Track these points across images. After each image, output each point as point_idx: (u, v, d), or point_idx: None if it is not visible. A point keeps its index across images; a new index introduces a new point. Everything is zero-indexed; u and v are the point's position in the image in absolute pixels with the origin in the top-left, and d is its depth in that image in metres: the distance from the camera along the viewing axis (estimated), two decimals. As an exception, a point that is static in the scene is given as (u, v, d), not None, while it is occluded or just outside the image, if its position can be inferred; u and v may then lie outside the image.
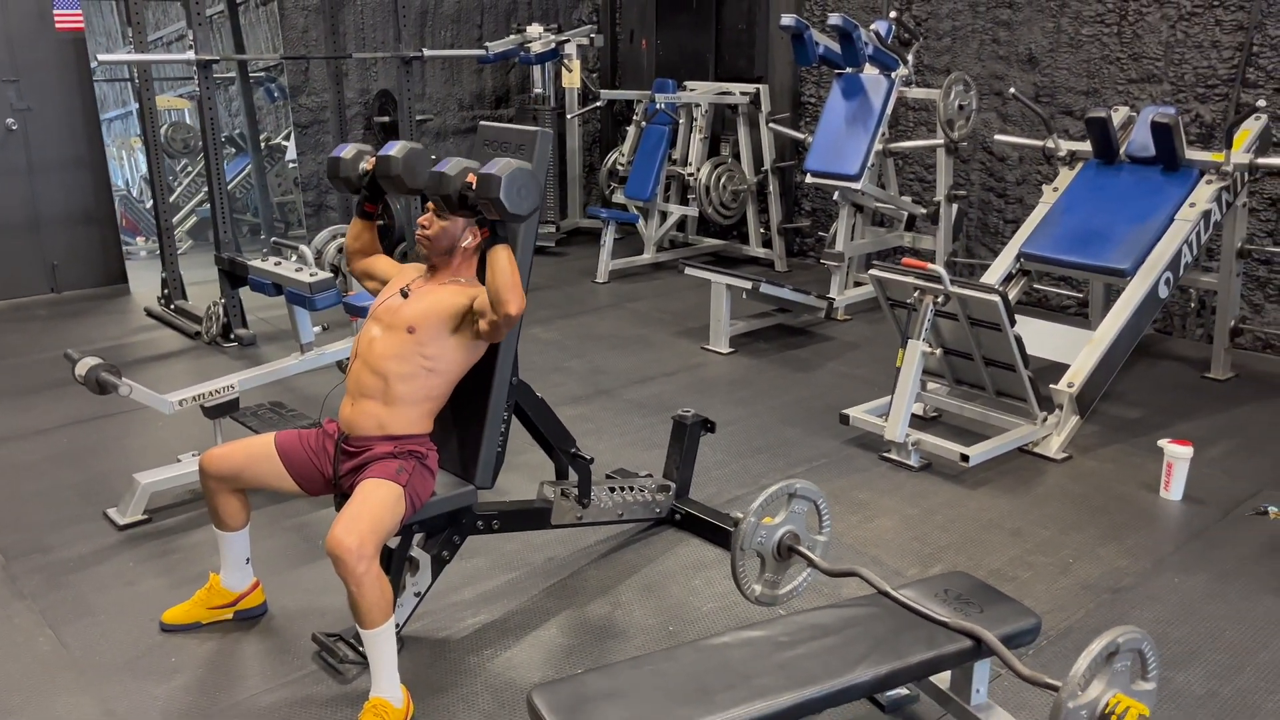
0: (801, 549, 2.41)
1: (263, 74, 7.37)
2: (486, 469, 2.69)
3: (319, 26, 7.08)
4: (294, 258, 3.81)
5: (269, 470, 2.58)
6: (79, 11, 6.10)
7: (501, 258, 2.38)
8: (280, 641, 2.71)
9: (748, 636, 2.03)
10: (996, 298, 3.60)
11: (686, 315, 5.87)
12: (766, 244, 7.13)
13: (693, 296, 6.00)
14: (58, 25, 6.05)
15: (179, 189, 7.32)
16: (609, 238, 6.70)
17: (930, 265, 3.74)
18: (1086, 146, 4.69)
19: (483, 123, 2.88)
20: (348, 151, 2.72)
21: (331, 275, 3.54)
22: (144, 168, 8.08)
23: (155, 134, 5.43)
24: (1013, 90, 4.93)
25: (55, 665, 2.61)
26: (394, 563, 2.61)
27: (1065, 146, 4.77)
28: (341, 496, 2.56)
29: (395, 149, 2.57)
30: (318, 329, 3.83)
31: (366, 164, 2.68)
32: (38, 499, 3.56)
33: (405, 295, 2.58)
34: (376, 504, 2.34)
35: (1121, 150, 4.56)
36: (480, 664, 2.62)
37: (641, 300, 6.30)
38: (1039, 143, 4.88)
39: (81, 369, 3.21)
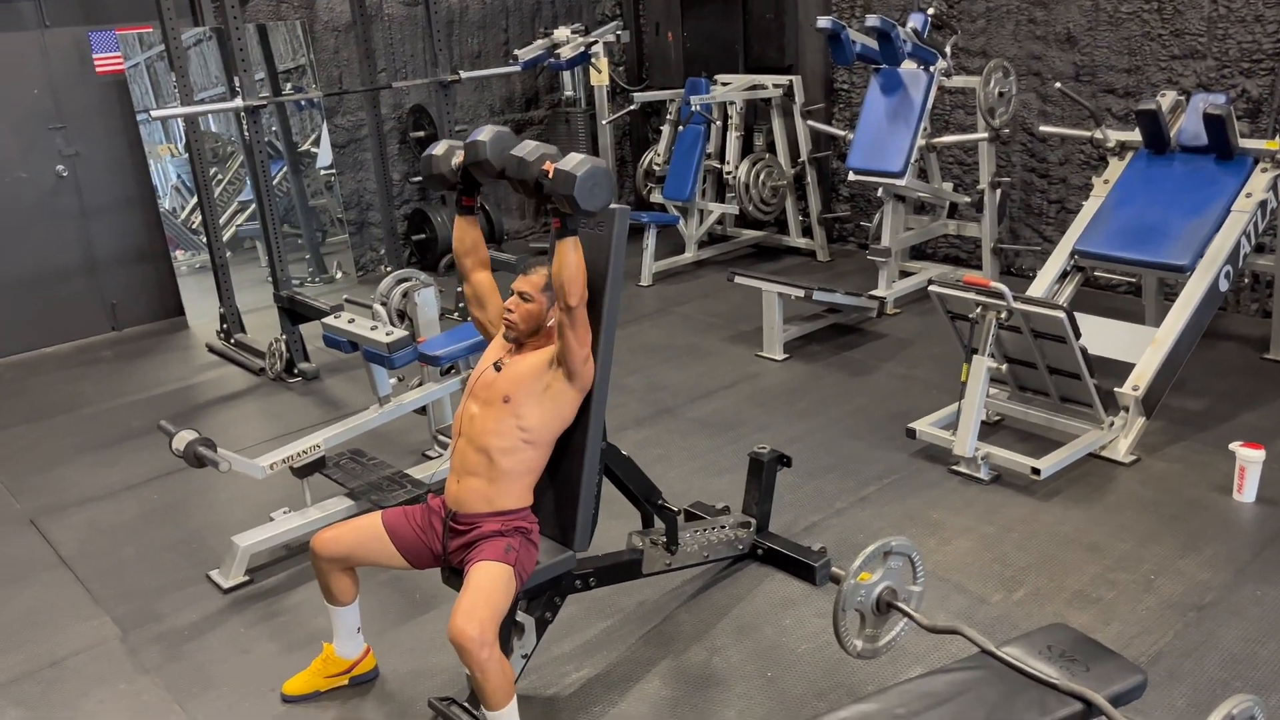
0: (899, 605, 2.49)
1: (291, 86, 7.44)
2: (584, 533, 2.78)
3: (349, 47, 7.12)
4: (370, 316, 3.89)
5: (379, 550, 2.68)
6: (119, 54, 6.17)
7: (569, 249, 2.46)
8: (397, 706, 2.84)
9: (863, 710, 2.11)
10: (1062, 314, 3.63)
11: (735, 317, 5.92)
12: (807, 233, 7.15)
13: (737, 296, 6.03)
14: (98, 69, 6.13)
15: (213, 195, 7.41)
16: (650, 241, 6.74)
17: (992, 283, 3.77)
18: (1136, 136, 4.66)
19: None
20: (439, 148, 2.77)
21: (407, 334, 3.62)
22: (173, 175, 8.25)
23: (208, 184, 5.52)
24: (1059, 85, 4.89)
25: (190, 744, 2.75)
26: (501, 629, 2.71)
27: (1114, 137, 4.74)
28: (450, 570, 2.67)
29: (483, 134, 2.63)
30: (393, 380, 3.93)
31: (458, 158, 2.74)
32: (140, 563, 3.70)
33: (498, 369, 2.66)
34: (491, 588, 2.44)
35: (1173, 139, 4.53)
36: (591, 722, 2.73)
37: (688, 303, 6.35)
38: (1086, 134, 4.86)
39: (179, 444, 3.32)
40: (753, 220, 7.24)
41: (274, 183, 6.98)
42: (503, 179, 2.63)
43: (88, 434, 4.91)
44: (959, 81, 5.78)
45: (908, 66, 5.64)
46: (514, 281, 2.66)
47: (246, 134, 5.11)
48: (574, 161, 2.39)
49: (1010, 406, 4.27)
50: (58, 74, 6.01)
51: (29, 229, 6.05)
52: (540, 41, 7.11)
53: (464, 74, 6.19)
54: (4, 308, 5.96)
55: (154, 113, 4.81)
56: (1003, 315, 3.79)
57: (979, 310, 3.84)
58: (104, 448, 4.73)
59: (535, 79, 8.08)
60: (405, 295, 4.20)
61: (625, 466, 3.00)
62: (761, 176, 6.84)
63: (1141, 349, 4.11)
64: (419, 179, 7.42)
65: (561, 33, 7.17)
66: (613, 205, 2.66)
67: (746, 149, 7.06)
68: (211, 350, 5.99)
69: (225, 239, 7.19)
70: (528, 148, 2.50)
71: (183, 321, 6.61)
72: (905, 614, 2.47)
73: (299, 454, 3.61)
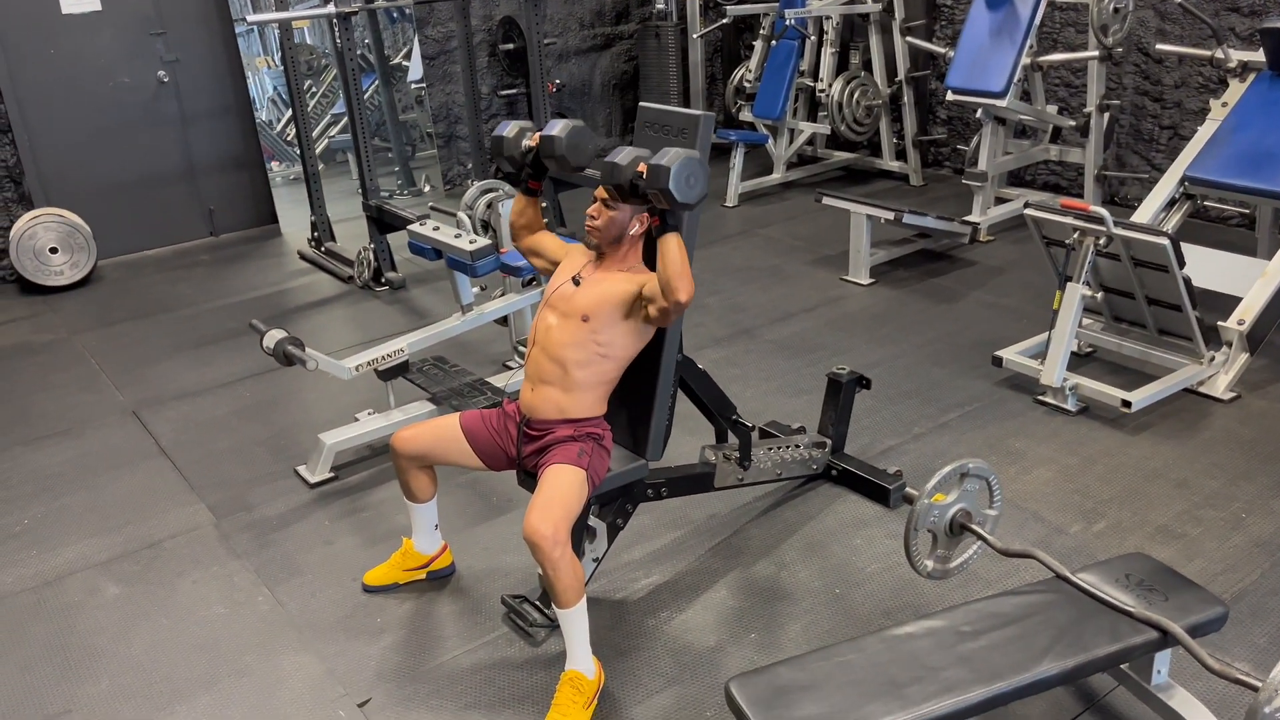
0: (974, 527, 2.46)
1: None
2: (656, 443, 2.80)
3: (441, -45, 7.05)
4: (454, 224, 3.93)
5: (456, 450, 2.74)
6: (217, -40, 6.24)
7: (672, 245, 2.42)
8: (471, 602, 2.93)
9: (930, 626, 2.11)
10: (1166, 241, 3.46)
11: (820, 241, 5.82)
12: (900, 156, 6.94)
13: (825, 219, 5.92)
14: (197, -25, 6.21)
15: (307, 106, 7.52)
16: (738, 160, 6.63)
17: (1092, 207, 3.61)
18: (1260, 57, 4.37)
19: (642, 104, 2.88)
20: (510, 130, 2.77)
21: (490, 244, 3.65)
22: (269, 88, 8.39)
23: (302, 95, 5.58)
24: (1179, 0, 4.60)
25: (277, 624, 2.89)
26: (574, 532, 2.76)
27: (1236, 57, 4.44)
28: (524, 473, 2.73)
29: (558, 128, 2.61)
30: (476, 289, 3.98)
31: (530, 141, 2.73)
32: (233, 455, 3.86)
33: (577, 283, 2.66)
34: (564, 489, 2.48)
35: (1301, 60, 4.24)
36: (658, 626, 2.78)
37: (773, 225, 6.25)
38: (1206, 53, 4.57)
39: (269, 341, 3.43)
40: (844, 141, 7.05)
41: (365, 96, 7.06)
42: (578, 172, 2.61)
43: (186, 333, 5.11)
44: (1071, -4, 5.48)
45: (1016, -21, 5.35)
46: (597, 190, 2.64)
47: (339, 42, 5.13)
48: (667, 156, 2.33)
49: (1103, 338, 4.12)
50: (159, -21, 6.12)
51: (132, 134, 6.23)
52: (633, -48, 6.96)
53: (555, -18, 6.08)
54: (110, 210, 6.18)
55: (250, 17, 4.88)
56: (1101, 241, 3.64)
57: (1076, 235, 3.69)
58: (201, 346, 4.92)
59: (627, -9, 7.93)
60: (490, 205, 4.22)
61: (701, 380, 3.00)
62: (856, 95, 6.63)
63: (1250, 282, 3.91)
64: (508, 91, 7.40)
65: (655, -57, 7.00)
66: (696, 112, 2.61)
67: (841, 67, 6.83)
68: (303, 257, 6.14)
69: (318, 151, 7.34)
70: (621, 153, 2.45)
71: (276, 229, 6.78)
72: (979, 536, 2.44)
73: (384, 357, 3.70)
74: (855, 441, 3.57)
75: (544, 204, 2.91)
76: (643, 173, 2.40)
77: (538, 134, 2.69)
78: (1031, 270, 5.04)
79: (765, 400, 3.99)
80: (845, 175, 7.16)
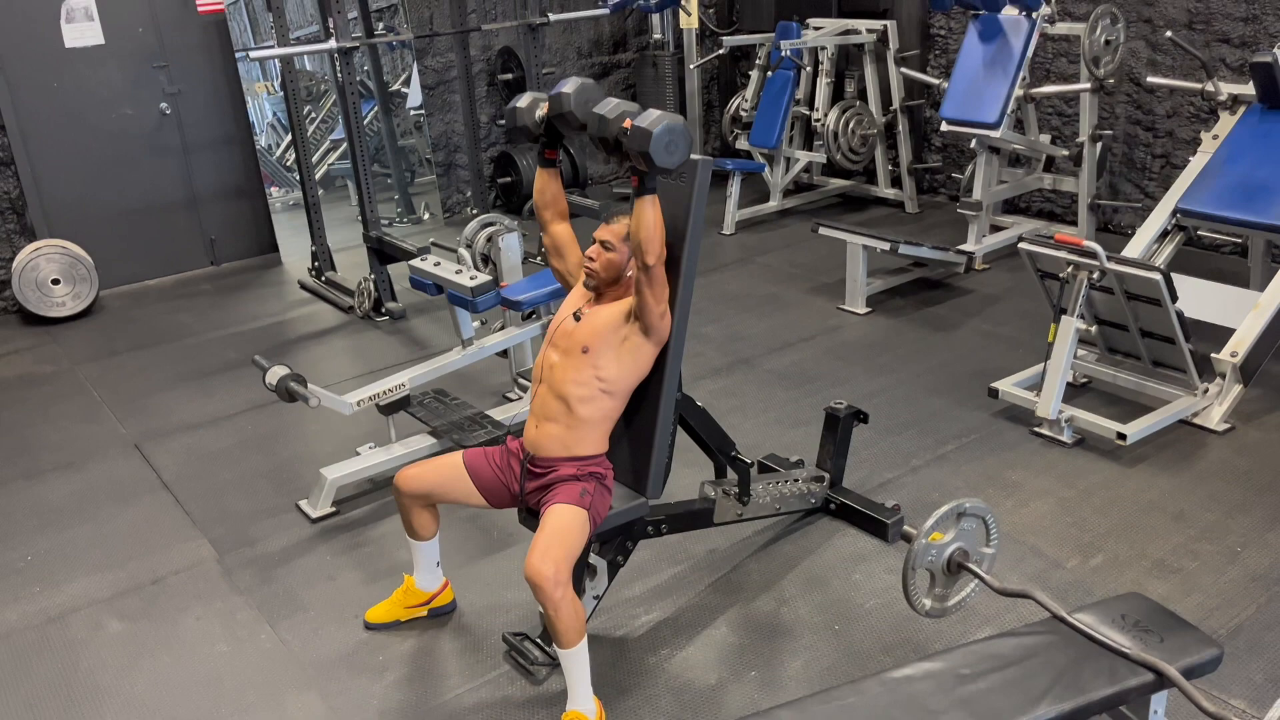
0: (971, 566, 2.48)
1: (383, 26, 7.51)
2: (656, 481, 2.83)
3: (441, -14, 7.14)
4: (454, 259, 3.97)
5: (460, 488, 2.77)
6: (218, -7, 6.31)
7: (647, 208, 2.47)
8: (473, 639, 2.95)
9: (929, 669, 2.13)
10: (1158, 276, 3.51)
11: (817, 269, 5.86)
12: (896, 183, 7.00)
13: (822, 246, 5.94)
14: (200, 9, 6.27)
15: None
16: (734, 188, 6.68)
17: (1085, 241, 3.65)
18: (1250, 89, 4.43)
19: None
20: (524, 100, 2.80)
21: (491, 279, 3.69)
22: (269, 112, 8.44)
23: (302, 126, 5.64)
24: (1170, 33, 4.66)
25: (280, 662, 2.90)
26: (575, 571, 2.78)
27: (1226, 90, 4.50)
28: (527, 511, 2.75)
29: (568, 86, 2.65)
30: (476, 323, 4.01)
31: (542, 109, 2.75)
32: (235, 489, 3.88)
33: (578, 319, 2.70)
34: (565, 530, 2.50)
35: (1290, 94, 4.29)
36: (659, 664, 2.80)
37: (771, 253, 6.30)
38: (1197, 85, 4.63)
39: (272, 378, 3.46)
40: (840, 169, 7.11)
41: (364, 122, 7.11)
42: (585, 132, 2.64)
43: (188, 364, 5.13)
44: (1063, 28, 5.55)
45: (1009, 13, 5.43)
46: (596, 230, 2.69)
47: (340, 76, 5.19)
48: (651, 118, 2.39)
49: (1098, 369, 4.16)
50: (161, 13, 6.17)
51: (135, 165, 6.28)
52: (630, -17, 7.04)
53: (552, 17, 6.17)
54: (112, 240, 6.22)
55: (252, 53, 4.93)
56: (1095, 275, 3.68)
57: (1070, 269, 3.73)
58: (203, 377, 4.94)
59: (623, 21, 8.01)
60: (489, 240, 4.26)
61: (700, 417, 3.03)
62: (851, 125, 6.70)
63: (1243, 313, 3.95)
64: (504, 123, 7.45)
65: (652, -26, 7.08)
66: (694, 156, 2.65)
67: (836, 96, 6.91)
68: (303, 287, 6.18)
69: (317, 177, 7.39)
70: (609, 104, 2.50)
71: (276, 258, 6.82)
72: (976, 575, 2.47)
73: (385, 392, 3.73)
74: (854, 474, 3.60)
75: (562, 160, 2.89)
76: (627, 129, 2.44)
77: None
78: (1027, 298, 5.08)
79: (764, 432, 4.02)
80: (841, 202, 7.21)
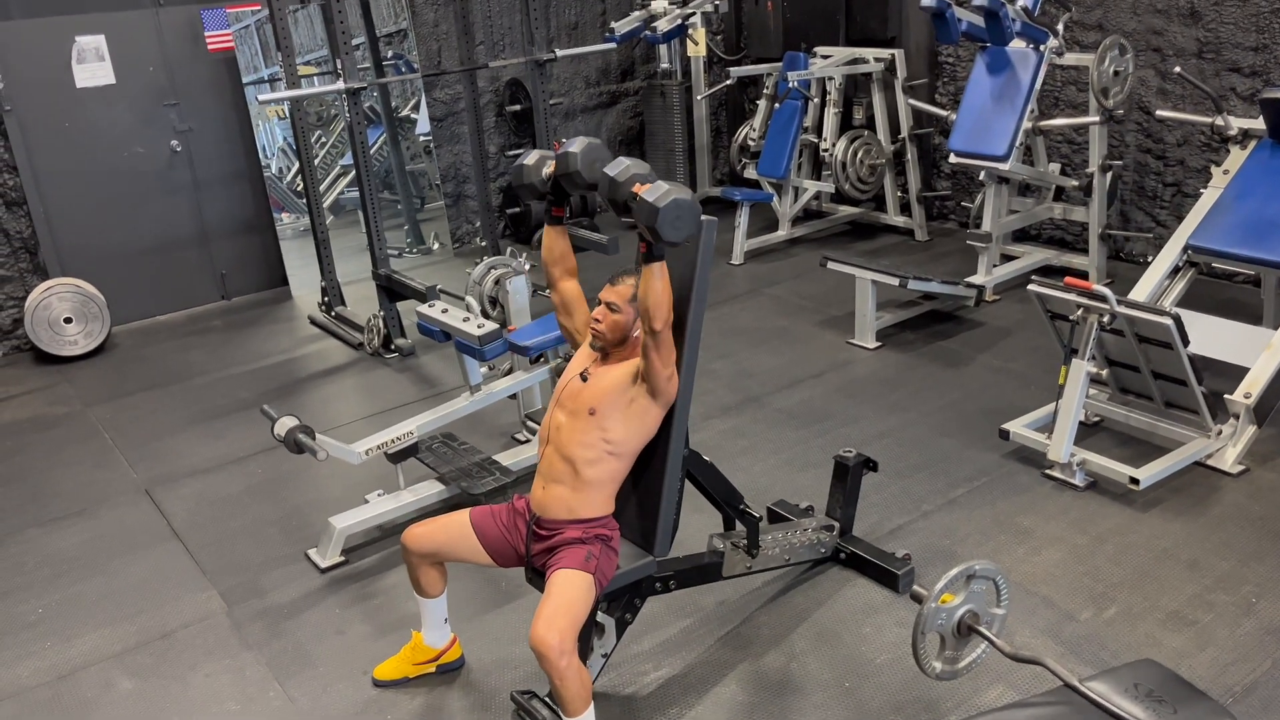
0: (981, 629, 2.46)
1: (391, 53, 7.54)
2: (664, 538, 2.82)
3: (448, 20, 7.18)
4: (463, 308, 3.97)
5: (466, 547, 2.77)
6: (229, 32, 6.36)
7: (655, 276, 2.46)
8: (481, 697, 2.94)
9: (939, 742, 2.11)
10: (1169, 321, 3.48)
11: (827, 300, 5.84)
12: (905, 211, 6.98)
13: (832, 278, 5.89)
14: (210, 47, 6.33)
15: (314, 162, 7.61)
16: (743, 218, 6.67)
17: (1095, 285, 3.63)
18: (1260, 124, 4.40)
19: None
20: (531, 158, 2.82)
21: (497, 327, 3.69)
22: (279, 137, 8.48)
23: (310, 161, 5.66)
24: (1178, 69, 4.64)
25: (288, 721, 2.90)
26: (581, 631, 2.77)
27: (1236, 125, 4.48)
28: (533, 571, 2.74)
29: (575, 145, 2.66)
30: (484, 368, 4.02)
31: (549, 168, 2.77)
32: (245, 537, 3.89)
33: (584, 379, 2.70)
34: (571, 596, 2.49)
35: (1301, 129, 4.27)
36: (668, 724, 2.78)
37: (780, 284, 6.29)
38: (1207, 119, 4.61)
39: (280, 429, 3.46)
40: (849, 197, 7.10)
41: (373, 149, 7.14)
42: (592, 191, 2.65)
43: (198, 404, 5.15)
44: (1071, 59, 5.53)
45: (1016, 45, 5.41)
46: (601, 291, 2.68)
47: (348, 115, 5.22)
48: (659, 191, 2.38)
49: (1110, 408, 4.13)
50: (172, 52, 6.23)
51: (146, 202, 6.33)
52: (637, 14, 7.06)
53: (559, 52, 6.20)
54: (124, 277, 6.26)
55: (261, 97, 4.97)
56: (1105, 319, 3.66)
57: (1080, 312, 3.71)
58: (213, 419, 4.96)
59: (631, 50, 8.03)
60: (497, 283, 4.26)
61: (707, 472, 3.02)
62: (859, 154, 6.69)
63: (1256, 352, 3.92)
64: (515, 151, 7.48)
65: (659, 4, 7.10)
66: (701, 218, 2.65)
67: (845, 125, 6.90)
68: (313, 322, 6.20)
69: (327, 204, 7.42)
70: (618, 166, 2.50)
71: (286, 292, 6.85)
72: (987, 639, 2.44)
73: (393, 440, 3.73)
74: (864, 520, 3.58)
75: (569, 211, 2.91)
76: (637, 195, 2.44)
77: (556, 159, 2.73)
78: (1038, 332, 5.04)
79: (773, 475, 4.00)
80: (850, 230, 7.20)
